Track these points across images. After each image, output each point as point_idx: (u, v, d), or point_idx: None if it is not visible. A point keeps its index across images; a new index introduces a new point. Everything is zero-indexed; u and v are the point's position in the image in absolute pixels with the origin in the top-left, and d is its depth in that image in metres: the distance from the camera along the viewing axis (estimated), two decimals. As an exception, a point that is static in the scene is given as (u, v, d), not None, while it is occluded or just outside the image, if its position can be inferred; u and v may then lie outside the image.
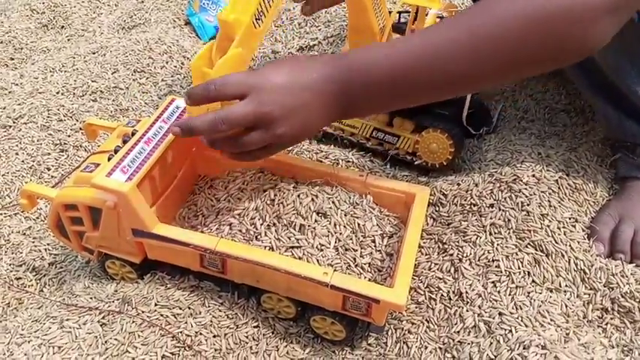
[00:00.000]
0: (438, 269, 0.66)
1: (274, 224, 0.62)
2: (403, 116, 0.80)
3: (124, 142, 0.63)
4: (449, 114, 0.78)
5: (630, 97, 0.68)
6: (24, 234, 0.80)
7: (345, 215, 0.63)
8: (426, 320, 0.62)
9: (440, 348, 0.60)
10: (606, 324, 0.61)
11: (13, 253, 0.77)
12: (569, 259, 0.64)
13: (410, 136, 0.79)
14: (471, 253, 0.65)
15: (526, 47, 0.51)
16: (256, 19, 0.61)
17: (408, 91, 0.56)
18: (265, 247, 0.60)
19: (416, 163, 0.80)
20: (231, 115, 0.53)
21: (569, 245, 0.65)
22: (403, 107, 0.65)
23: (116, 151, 0.62)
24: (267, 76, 0.54)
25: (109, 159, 0.61)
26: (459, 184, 0.74)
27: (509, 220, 0.67)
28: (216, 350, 0.59)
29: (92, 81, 1.07)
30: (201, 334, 0.60)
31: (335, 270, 0.56)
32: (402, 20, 0.83)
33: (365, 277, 0.60)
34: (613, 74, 0.67)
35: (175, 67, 1.12)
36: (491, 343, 0.57)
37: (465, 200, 0.71)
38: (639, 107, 0.68)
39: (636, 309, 0.60)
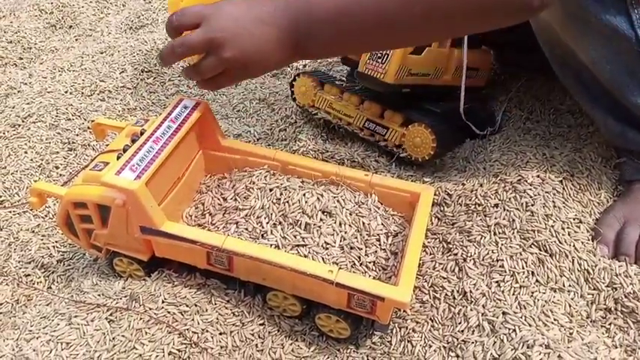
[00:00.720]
0: (442, 269, 0.66)
1: (280, 223, 0.63)
2: (394, 109, 0.81)
3: (133, 141, 0.64)
4: (440, 111, 0.80)
5: (632, 110, 0.68)
6: (33, 231, 0.81)
7: (350, 214, 0.64)
8: (430, 319, 0.63)
9: (444, 347, 0.61)
10: (610, 324, 0.61)
11: (22, 251, 0.78)
12: (573, 260, 0.64)
13: (398, 129, 0.80)
14: (475, 253, 0.66)
15: None
16: None
17: (350, 31, 0.58)
18: (271, 245, 0.61)
19: (401, 155, 0.81)
20: (186, 40, 0.59)
21: (573, 245, 0.65)
22: (353, 52, 0.66)
23: (125, 150, 0.63)
24: (221, 7, 0.59)
25: (118, 158, 0.62)
26: (463, 184, 0.74)
27: (513, 220, 0.68)
28: (222, 347, 0.60)
29: (100, 80, 1.08)
30: (207, 331, 0.61)
31: (340, 268, 0.57)
32: None
33: (370, 276, 0.60)
34: (612, 88, 0.68)
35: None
36: (494, 342, 0.58)
37: (470, 200, 0.72)
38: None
39: (639, 309, 0.61)
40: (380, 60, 0.75)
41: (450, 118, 0.80)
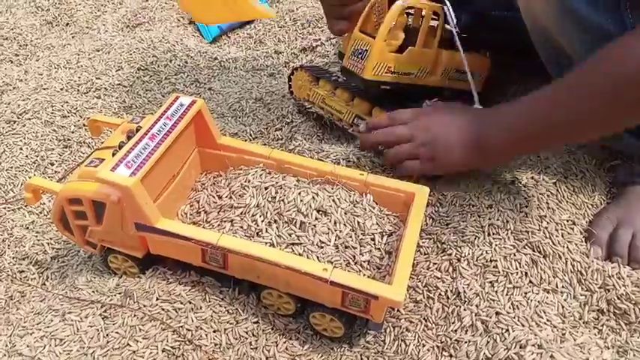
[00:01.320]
0: (436, 268, 0.67)
1: (275, 221, 0.63)
2: (381, 107, 0.81)
3: (129, 137, 0.64)
4: None
5: None
6: (27, 228, 0.81)
7: (345, 213, 0.64)
8: (424, 319, 0.63)
9: (437, 346, 0.61)
10: (602, 325, 0.62)
11: (16, 247, 0.78)
12: (567, 261, 0.65)
13: None
14: (469, 253, 0.66)
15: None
16: None
17: (530, 139, 0.66)
18: (266, 243, 0.61)
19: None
20: (396, 129, 0.73)
21: (567, 247, 0.66)
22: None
23: (120, 147, 0.63)
24: (428, 112, 0.74)
25: (114, 154, 0.62)
26: (458, 185, 0.74)
27: (507, 221, 0.68)
28: (216, 345, 0.60)
29: (96, 78, 1.08)
30: (201, 328, 0.61)
31: (334, 267, 0.57)
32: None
33: (364, 275, 0.61)
34: None
35: (179, 65, 1.13)
36: (488, 342, 0.58)
37: (464, 201, 0.72)
38: None
39: (632, 311, 0.61)
40: (360, 56, 0.77)
41: None
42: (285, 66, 1.14)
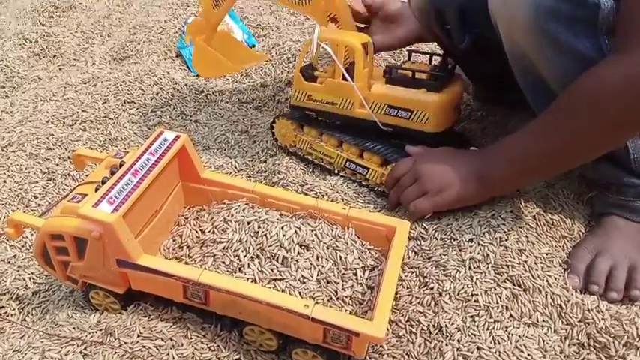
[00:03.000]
0: (419, 303, 0.67)
1: (257, 256, 0.63)
2: (372, 152, 0.83)
3: (112, 173, 0.65)
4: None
5: None
6: (9, 262, 0.80)
7: (328, 248, 0.64)
8: (407, 354, 0.63)
9: (419, 381, 0.61)
10: (583, 359, 0.62)
11: (-4, 282, 0.77)
12: (546, 294, 0.65)
13: (378, 169, 0.83)
14: (450, 287, 0.67)
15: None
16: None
17: (527, 173, 0.71)
18: (248, 278, 0.61)
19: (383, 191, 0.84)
20: (402, 182, 0.78)
21: (546, 280, 0.67)
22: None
23: (104, 182, 0.63)
24: (426, 156, 0.78)
25: (97, 190, 0.62)
26: (439, 218, 0.75)
27: (487, 254, 0.69)
28: (197, 382, 0.60)
29: (82, 110, 1.09)
30: (182, 365, 0.60)
31: (317, 302, 0.57)
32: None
33: (346, 310, 0.61)
34: None
35: (165, 98, 1.14)
36: (469, 377, 0.58)
37: (446, 234, 0.73)
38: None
39: (611, 344, 0.62)
40: (291, 85, 0.81)
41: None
42: (271, 99, 1.15)
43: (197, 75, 1.25)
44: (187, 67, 1.28)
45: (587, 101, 0.62)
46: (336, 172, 0.88)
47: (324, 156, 0.89)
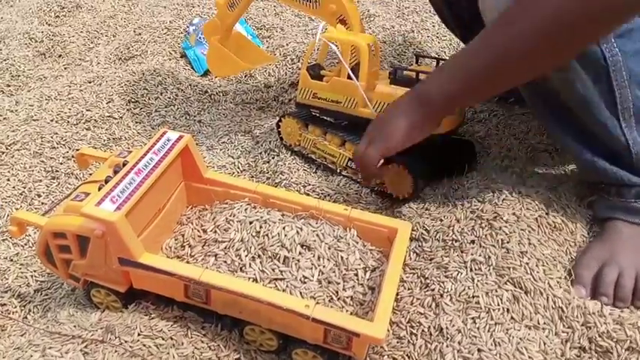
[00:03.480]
0: (419, 304, 0.67)
1: (259, 256, 0.63)
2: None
3: (115, 172, 0.65)
4: (418, 150, 0.81)
5: (600, 137, 0.70)
6: (11, 260, 0.80)
7: (329, 248, 0.64)
8: (407, 355, 0.63)
9: (420, 383, 0.61)
10: (584, 363, 0.62)
11: (-1, 279, 0.77)
12: (548, 297, 0.65)
13: None
14: (451, 289, 0.66)
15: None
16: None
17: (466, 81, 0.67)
18: (249, 278, 0.61)
19: (379, 190, 0.84)
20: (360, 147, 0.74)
21: (548, 283, 0.66)
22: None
23: (107, 181, 0.63)
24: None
25: (100, 189, 0.62)
26: (441, 220, 0.75)
27: (489, 256, 0.69)
28: (197, 381, 0.60)
29: (87, 110, 1.09)
30: (183, 364, 0.60)
31: (317, 303, 0.57)
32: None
33: (347, 311, 0.61)
34: (581, 109, 0.70)
35: (169, 98, 1.15)
36: (469, 380, 0.58)
37: (447, 236, 0.73)
38: (609, 145, 0.70)
39: (614, 349, 0.61)
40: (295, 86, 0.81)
41: (428, 155, 0.81)
42: (275, 100, 1.15)
43: (202, 75, 1.26)
44: (192, 68, 1.29)
45: (522, 5, 0.59)
46: (339, 170, 0.89)
47: (327, 155, 0.90)
